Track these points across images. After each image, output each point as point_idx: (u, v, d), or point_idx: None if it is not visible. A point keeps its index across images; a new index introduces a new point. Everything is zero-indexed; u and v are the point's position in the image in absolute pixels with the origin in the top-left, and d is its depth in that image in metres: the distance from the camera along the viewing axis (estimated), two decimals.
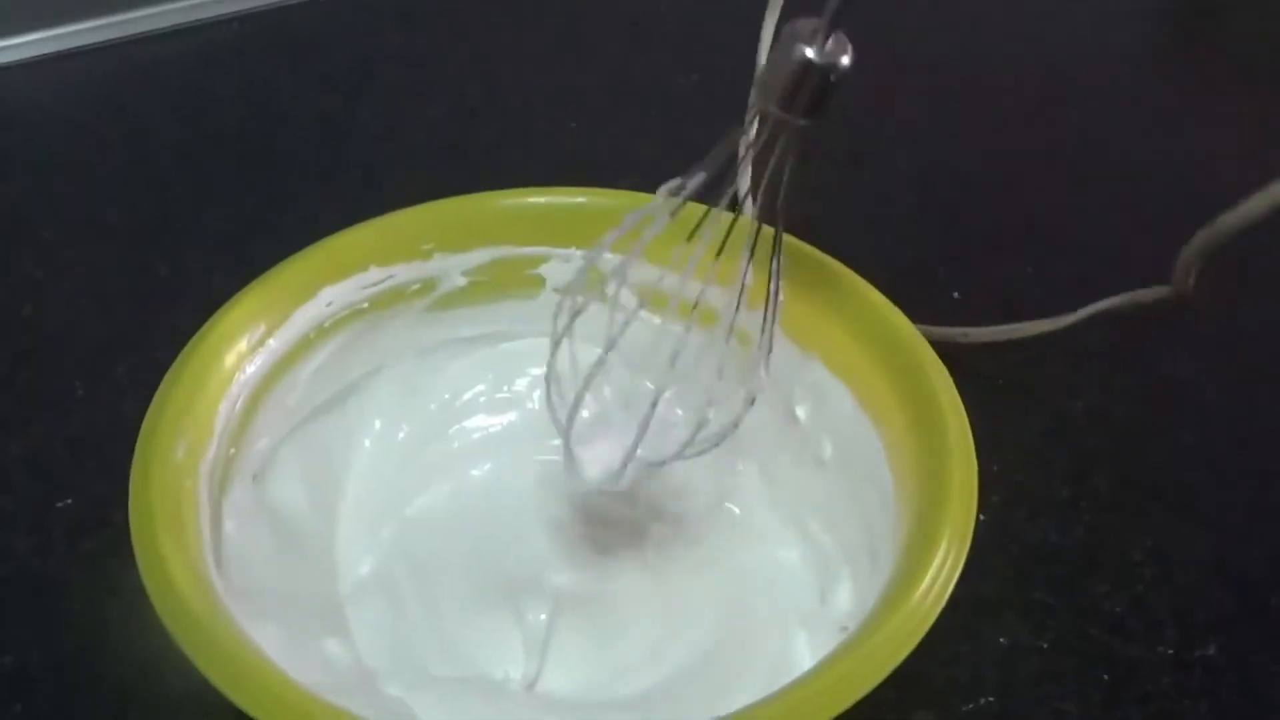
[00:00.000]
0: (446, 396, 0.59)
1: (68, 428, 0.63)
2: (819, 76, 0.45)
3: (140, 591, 0.56)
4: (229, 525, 0.50)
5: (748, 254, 0.48)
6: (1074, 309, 0.60)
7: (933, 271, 0.70)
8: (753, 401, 0.50)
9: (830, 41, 0.45)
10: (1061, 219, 0.74)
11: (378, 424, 0.57)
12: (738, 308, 0.50)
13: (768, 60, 0.47)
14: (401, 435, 0.58)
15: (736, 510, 0.56)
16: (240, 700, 0.42)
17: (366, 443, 0.57)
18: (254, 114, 0.79)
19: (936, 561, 0.45)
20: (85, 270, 0.70)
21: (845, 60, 0.45)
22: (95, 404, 0.64)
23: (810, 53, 0.45)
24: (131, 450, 0.59)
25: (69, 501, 0.60)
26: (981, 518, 0.47)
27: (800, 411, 0.54)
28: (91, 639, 0.56)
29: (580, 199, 0.57)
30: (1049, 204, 0.76)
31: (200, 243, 0.71)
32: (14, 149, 0.76)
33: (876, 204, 0.75)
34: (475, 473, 0.58)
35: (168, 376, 0.51)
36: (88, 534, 0.59)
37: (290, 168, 0.76)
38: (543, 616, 0.53)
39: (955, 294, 0.67)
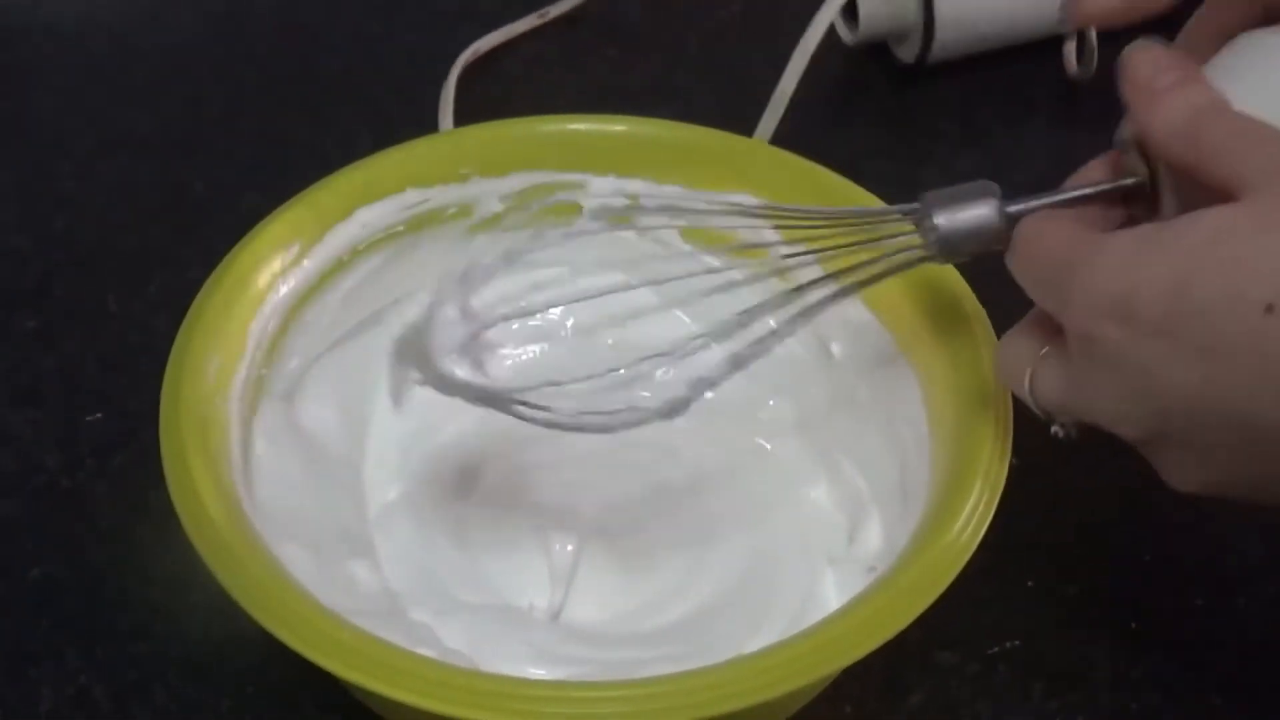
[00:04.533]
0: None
1: (100, 343, 0.64)
2: None
3: (168, 508, 0.57)
4: (259, 445, 0.51)
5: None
6: None
7: None
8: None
9: None
10: None
11: None
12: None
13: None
14: None
15: (768, 447, 0.56)
16: (265, 620, 0.43)
17: None
18: (291, 31, 0.79)
19: (970, 504, 0.45)
20: (119, 185, 0.70)
21: None
22: (127, 320, 0.64)
23: None
24: (163, 366, 0.59)
25: (99, 416, 0.60)
26: (1014, 461, 0.47)
27: (836, 349, 0.53)
28: (118, 554, 0.56)
29: (620, 126, 0.57)
30: None
31: (235, 161, 0.71)
32: (49, 60, 0.76)
33: None
34: None
35: (201, 294, 0.51)
36: (117, 450, 0.59)
37: (327, 86, 0.75)
38: (569, 547, 0.53)
39: None
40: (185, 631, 0.54)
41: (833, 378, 0.54)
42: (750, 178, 0.55)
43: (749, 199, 0.53)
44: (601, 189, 0.56)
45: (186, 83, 0.75)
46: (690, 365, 0.48)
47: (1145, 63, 0.43)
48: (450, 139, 0.57)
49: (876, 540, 0.51)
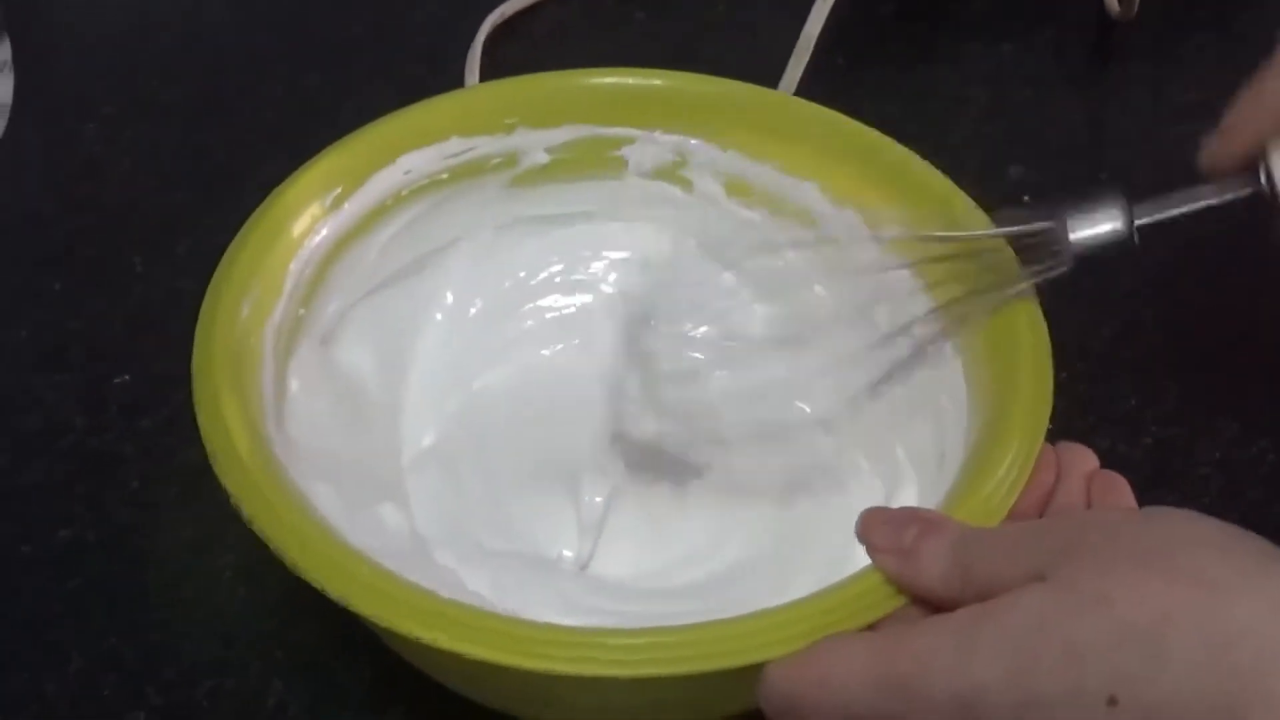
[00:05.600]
0: (521, 274, 0.59)
1: (126, 305, 0.64)
2: None
3: (195, 469, 0.57)
4: (293, 385, 0.51)
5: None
6: None
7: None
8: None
9: None
10: None
11: (450, 297, 0.57)
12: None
13: None
14: (474, 310, 0.58)
15: (806, 409, 0.56)
16: (288, 553, 0.43)
17: (438, 315, 0.57)
18: None
19: (1003, 468, 0.45)
20: (143, 150, 0.70)
21: None
22: (153, 282, 0.64)
23: None
24: (190, 328, 0.59)
25: (126, 378, 0.60)
26: (1050, 427, 0.47)
27: (880, 316, 0.53)
28: (146, 516, 0.57)
29: (669, 81, 0.57)
30: None
31: (258, 125, 0.71)
32: (72, 26, 0.76)
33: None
34: (545, 352, 0.58)
35: (240, 233, 0.52)
36: (144, 411, 0.60)
37: (351, 52, 0.75)
38: (599, 499, 0.53)
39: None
40: (213, 593, 0.54)
41: (879, 346, 0.53)
42: (800, 138, 0.56)
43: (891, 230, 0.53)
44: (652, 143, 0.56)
45: (209, 48, 0.76)
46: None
47: (879, 527, 0.43)
48: (497, 88, 0.57)
49: (912, 503, 0.51)
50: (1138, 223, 0.48)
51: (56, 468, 0.58)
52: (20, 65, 0.70)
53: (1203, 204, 0.48)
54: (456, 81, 0.71)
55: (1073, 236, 0.48)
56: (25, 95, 0.70)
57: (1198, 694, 0.35)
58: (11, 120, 0.69)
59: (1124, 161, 0.72)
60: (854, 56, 0.73)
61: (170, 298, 0.63)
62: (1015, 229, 0.50)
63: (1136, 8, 0.73)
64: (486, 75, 0.71)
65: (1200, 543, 0.38)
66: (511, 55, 0.73)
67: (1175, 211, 0.48)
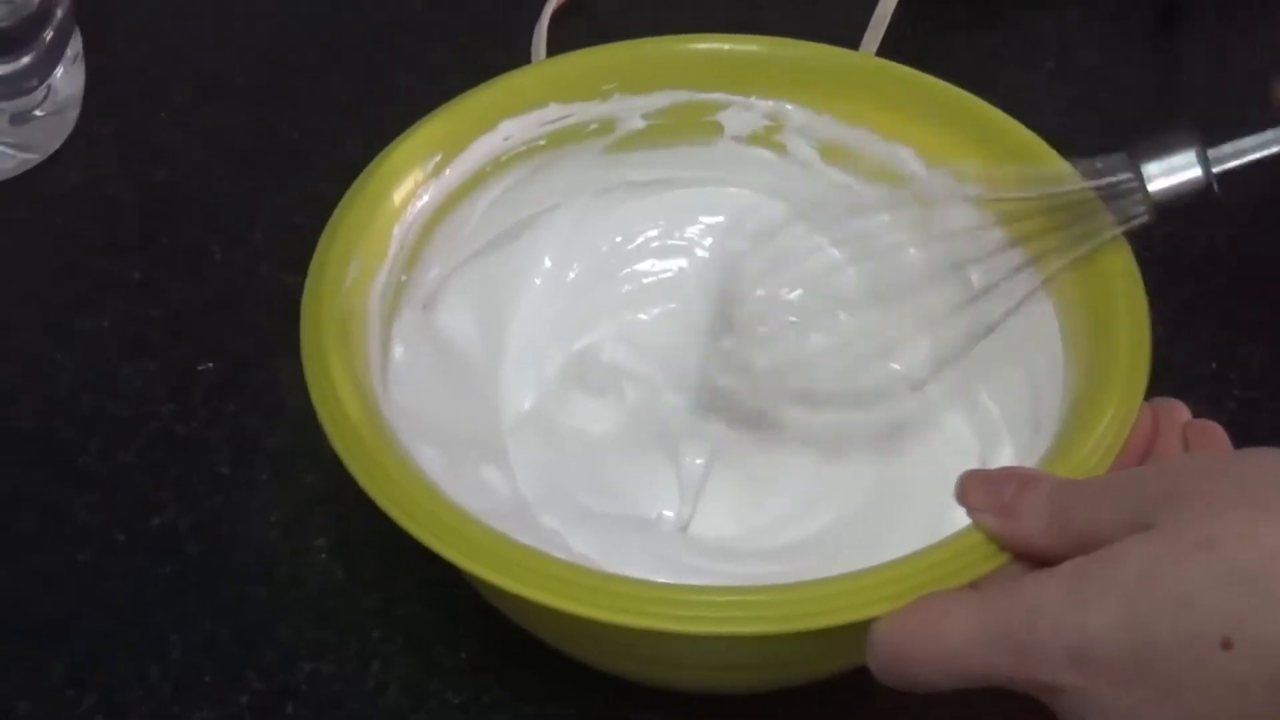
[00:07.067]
0: (618, 239, 0.60)
1: (205, 292, 0.64)
2: None
3: (282, 453, 0.57)
4: (397, 350, 0.52)
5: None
6: None
7: None
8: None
9: None
10: None
11: (548, 262, 0.59)
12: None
13: None
14: (571, 275, 0.59)
15: (899, 368, 0.56)
16: (398, 516, 0.44)
17: (536, 280, 0.58)
18: None
19: (1099, 431, 0.46)
20: (217, 135, 0.71)
21: None
22: (232, 268, 0.65)
23: None
24: (270, 313, 0.60)
25: (210, 365, 0.61)
26: None
27: (975, 276, 0.53)
28: (236, 500, 0.57)
29: (764, 47, 0.58)
30: None
31: (329, 107, 0.73)
32: (142, 14, 0.77)
33: None
34: (642, 316, 0.59)
35: (344, 199, 0.53)
36: (229, 396, 0.60)
37: (418, 31, 0.76)
38: (700, 461, 0.54)
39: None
40: (306, 575, 0.55)
41: (970, 305, 0.53)
42: (894, 102, 0.56)
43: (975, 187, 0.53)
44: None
45: (278, 32, 0.77)
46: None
47: (978, 487, 0.44)
48: (594, 55, 0.58)
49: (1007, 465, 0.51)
50: (1215, 169, 0.48)
51: (146, 455, 0.58)
52: (91, 57, 0.70)
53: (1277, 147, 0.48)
54: (523, 58, 0.71)
55: (1151, 187, 0.49)
56: (97, 86, 0.71)
57: None
58: (84, 111, 0.70)
59: (1193, 121, 0.72)
60: (920, 26, 0.73)
61: (249, 283, 0.64)
62: (1097, 182, 0.50)
63: None
64: (553, 50, 0.71)
65: None
66: (577, 31, 0.73)
67: (1252, 156, 0.48)
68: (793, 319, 0.54)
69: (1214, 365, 0.60)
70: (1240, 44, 0.74)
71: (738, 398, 0.55)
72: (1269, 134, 0.48)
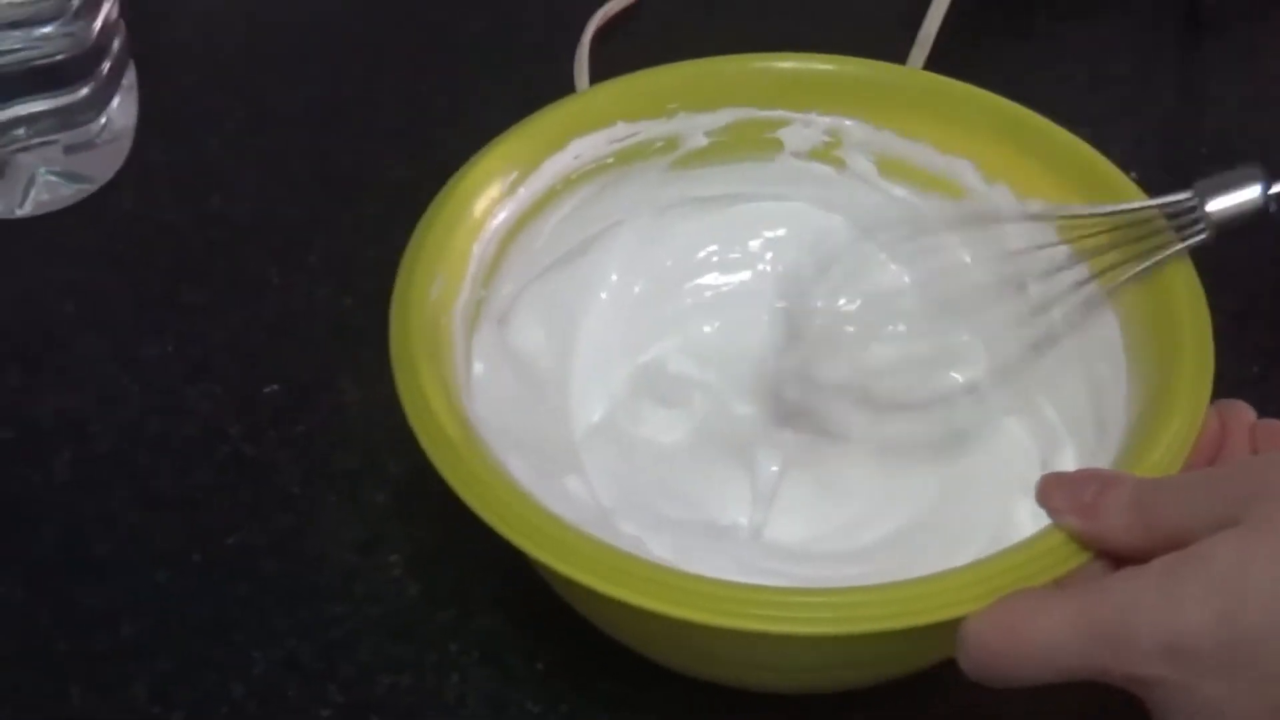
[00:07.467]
0: (682, 254, 0.61)
1: (265, 316, 0.65)
2: None
3: (352, 472, 0.59)
4: (477, 366, 0.54)
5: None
6: None
7: None
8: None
9: None
10: None
11: (614, 276, 0.60)
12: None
13: None
14: (637, 289, 0.60)
15: (960, 379, 0.58)
16: (501, 526, 0.45)
17: (603, 294, 0.60)
18: (424, 3, 0.80)
19: (1169, 435, 0.47)
20: (269, 161, 0.72)
21: None
22: (290, 291, 0.66)
23: None
24: (330, 334, 0.61)
25: (275, 387, 0.62)
26: None
27: (1033, 289, 0.55)
28: (308, 518, 0.58)
29: (826, 65, 0.60)
30: None
31: (378, 131, 0.73)
32: (192, 43, 0.78)
33: None
34: (706, 329, 0.61)
35: (425, 217, 0.54)
36: (295, 418, 0.61)
37: (463, 55, 0.77)
38: (774, 468, 0.55)
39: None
40: (382, 591, 0.56)
41: (1030, 315, 0.54)
42: (952, 117, 0.58)
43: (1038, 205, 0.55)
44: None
45: (326, 58, 0.77)
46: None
47: (1059, 489, 0.45)
48: (659, 75, 0.59)
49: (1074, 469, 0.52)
50: (1274, 190, 0.50)
51: (217, 477, 0.59)
52: (144, 86, 0.71)
53: None
54: (566, 79, 0.73)
55: (1210, 207, 0.50)
56: (150, 115, 0.72)
57: None
58: (138, 140, 0.71)
59: (1225, 129, 0.73)
60: (956, 38, 0.74)
61: (308, 305, 0.65)
62: (1157, 201, 0.52)
63: None
64: (595, 72, 0.72)
65: None
66: (620, 52, 0.74)
67: None
68: (851, 329, 0.56)
69: (1256, 369, 0.61)
70: (1270, 50, 0.76)
71: (805, 407, 0.56)
72: None
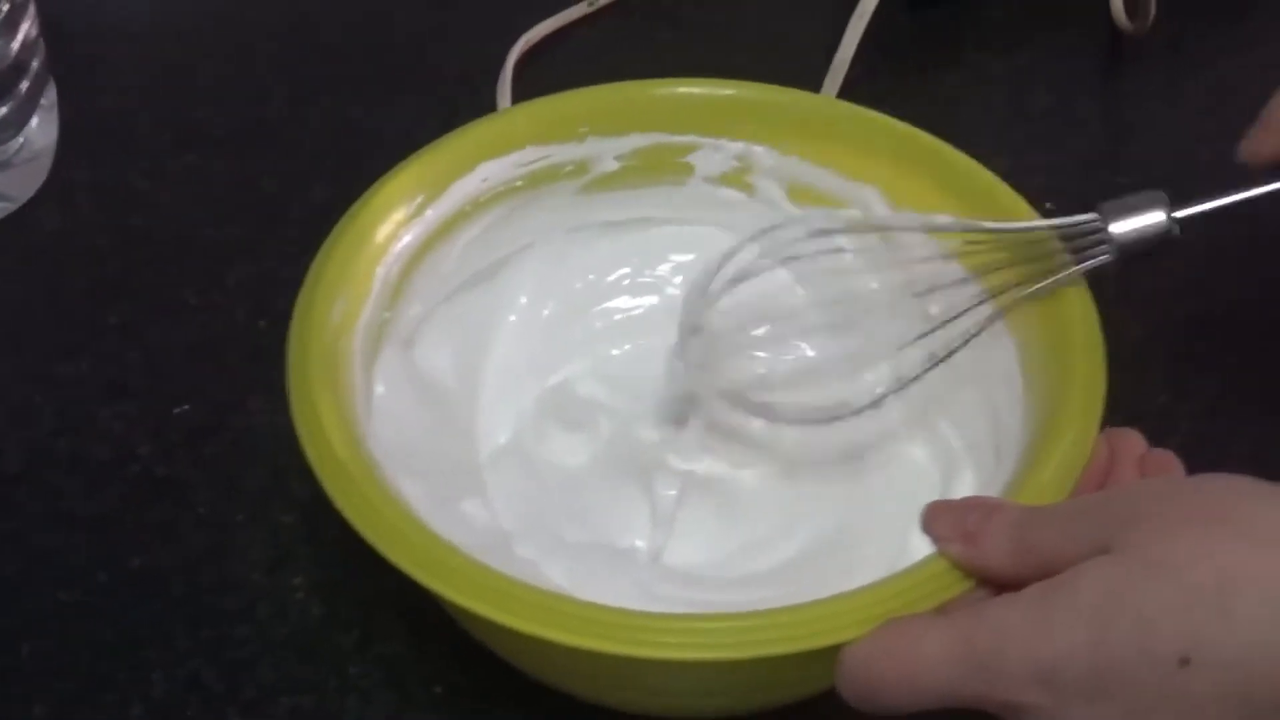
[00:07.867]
0: (591, 277, 0.62)
1: (182, 336, 0.65)
2: None
3: (261, 493, 0.58)
4: (379, 388, 0.54)
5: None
6: None
7: None
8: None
9: None
10: None
11: (524, 299, 0.60)
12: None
13: None
14: (546, 312, 0.61)
15: (859, 392, 0.57)
16: (390, 551, 0.45)
17: (512, 317, 0.60)
18: (352, 28, 0.81)
19: (1059, 456, 0.47)
20: (192, 182, 0.72)
21: None
22: (209, 312, 0.66)
23: None
24: (246, 357, 0.61)
25: (186, 407, 0.62)
26: None
27: (934, 309, 0.55)
28: (216, 539, 0.58)
29: (734, 91, 0.60)
30: None
31: (303, 154, 0.74)
32: (118, 61, 0.78)
33: None
34: (615, 352, 0.61)
35: (329, 238, 0.54)
36: (208, 438, 0.61)
37: (388, 79, 0.78)
38: (672, 492, 0.55)
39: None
40: (287, 612, 0.56)
41: (930, 331, 0.55)
42: (860, 144, 0.58)
43: (943, 218, 0.55)
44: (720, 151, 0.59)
45: (252, 80, 0.78)
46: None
47: (943, 516, 0.45)
48: (570, 99, 0.60)
49: (969, 494, 0.52)
50: (1178, 214, 0.51)
51: (126, 496, 0.59)
52: (65, 105, 0.71)
53: (1242, 195, 0.50)
54: (489, 103, 0.73)
55: (1113, 228, 0.51)
56: (71, 134, 0.72)
57: (1265, 649, 0.37)
58: (59, 159, 0.71)
59: (1144, 161, 0.74)
60: (879, 68, 0.75)
61: (225, 327, 0.65)
62: (1062, 220, 0.53)
63: (1150, 22, 0.74)
64: (519, 95, 0.73)
65: (1256, 500, 0.40)
66: (542, 77, 0.75)
67: (1215, 203, 0.51)
68: (746, 339, 0.57)
69: (1164, 399, 0.62)
70: (1188, 80, 0.77)
71: (704, 424, 0.57)
72: (1232, 185, 0.51)
